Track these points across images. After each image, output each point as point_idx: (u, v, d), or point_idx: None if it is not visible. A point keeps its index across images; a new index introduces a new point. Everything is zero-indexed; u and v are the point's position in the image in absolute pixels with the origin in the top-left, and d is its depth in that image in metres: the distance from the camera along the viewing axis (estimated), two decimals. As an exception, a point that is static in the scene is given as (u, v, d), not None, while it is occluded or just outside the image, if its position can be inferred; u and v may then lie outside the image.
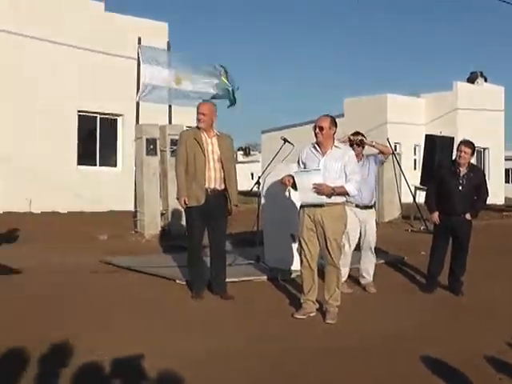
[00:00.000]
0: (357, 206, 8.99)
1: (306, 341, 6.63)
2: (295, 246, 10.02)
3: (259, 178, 10.92)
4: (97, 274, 9.65)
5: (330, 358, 6.03)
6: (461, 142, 8.97)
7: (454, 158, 9.25)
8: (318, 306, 7.59)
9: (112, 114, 20.53)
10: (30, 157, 17.41)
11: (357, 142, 8.95)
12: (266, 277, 9.64)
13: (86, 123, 20.22)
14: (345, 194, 7.33)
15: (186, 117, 15.06)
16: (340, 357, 6.04)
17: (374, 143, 9.11)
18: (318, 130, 7.32)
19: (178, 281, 9.14)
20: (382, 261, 11.08)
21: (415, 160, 34.54)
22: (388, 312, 8.01)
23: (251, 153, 75.38)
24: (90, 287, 8.74)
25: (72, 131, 19.32)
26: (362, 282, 9.35)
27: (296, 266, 9.96)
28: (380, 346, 6.49)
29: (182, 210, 8.72)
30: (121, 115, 20.38)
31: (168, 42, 16.82)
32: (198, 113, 8.24)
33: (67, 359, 5.67)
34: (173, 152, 13.57)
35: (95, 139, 20.48)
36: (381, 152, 9.22)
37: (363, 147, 9.04)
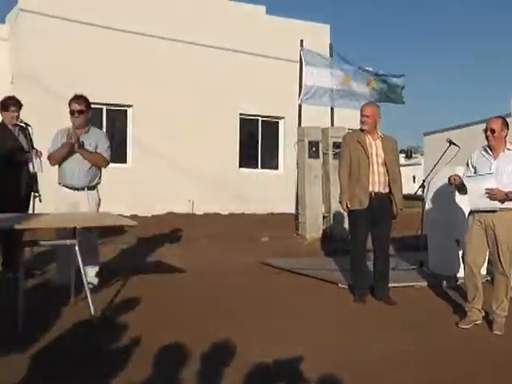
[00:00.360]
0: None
1: (471, 352, 6.40)
2: (460, 251, 9.78)
3: (423, 181, 10.72)
4: (257, 275, 9.76)
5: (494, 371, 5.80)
6: None
7: None
8: (483, 314, 7.25)
9: (273, 117, 20.74)
10: (193, 159, 17.90)
11: None
12: (428, 283, 9.43)
13: (248, 126, 20.56)
14: None
15: (348, 119, 15.02)
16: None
17: None
18: (489, 132, 7.02)
19: (340, 284, 9.09)
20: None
21: None
22: None
23: (413, 155, 74.33)
24: (248, 288, 8.83)
25: (234, 134, 19.69)
26: None
27: (461, 272, 9.72)
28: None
29: (345, 213, 8.67)
30: (282, 118, 20.56)
31: (330, 44, 16.79)
32: (361, 115, 8.15)
33: (227, 359, 5.76)
34: (335, 155, 13.53)
35: (257, 142, 20.77)
36: None
37: None
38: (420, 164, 50.48)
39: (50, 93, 16.11)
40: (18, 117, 8.73)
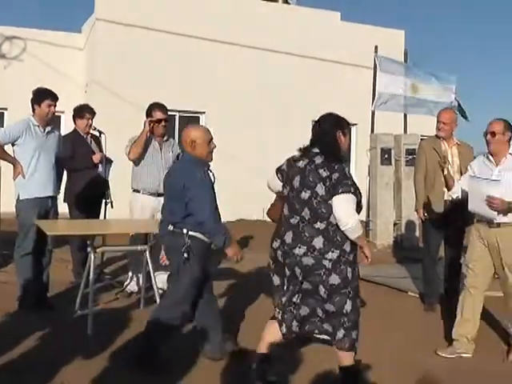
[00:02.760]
0: None
1: None
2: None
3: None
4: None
5: None
6: None
7: None
8: (473, 346, 6.39)
9: (347, 124, 20.63)
10: (266, 165, 17.83)
11: None
12: (500, 292, 9.23)
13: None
14: None
15: (421, 126, 14.83)
16: None
17: None
18: (489, 135, 6.24)
19: (410, 293, 9.01)
20: None
21: None
22: None
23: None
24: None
25: (306, 141, 19.54)
26: None
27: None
28: None
29: (416, 220, 8.58)
30: (355, 124, 20.44)
31: (405, 50, 16.64)
32: (438, 121, 8.03)
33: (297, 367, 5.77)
34: (408, 162, 13.41)
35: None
36: None
37: None
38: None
39: (124, 101, 16.39)
40: (91, 125, 8.89)
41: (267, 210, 5.61)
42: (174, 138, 9.08)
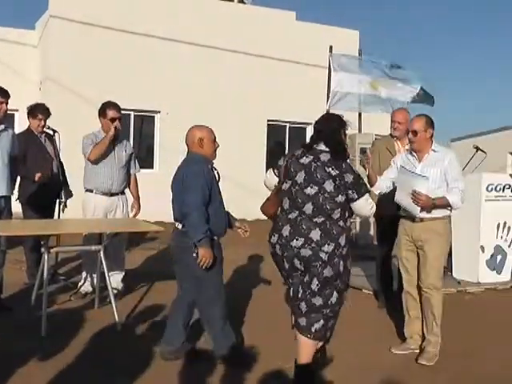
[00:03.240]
0: None
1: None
2: (485, 257, 9.78)
3: (449, 187, 10.70)
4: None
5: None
6: None
7: None
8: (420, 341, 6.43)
9: (301, 123, 20.74)
10: (220, 165, 17.81)
11: None
12: (453, 289, 9.43)
13: (275, 132, 20.56)
14: (447, 206, 6.15)
15: (375, 125, 14.97)
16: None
17: None
18: (410, 134, 6.23)
19: (364, 290, 9.12)
20: None
21: None
22: None
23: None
24: (278, 293, 8.84)
25: (261, 141, 19.68)
26: None
27: (485, 278, 9.72)
28: None
29: (371, 219, 8.64)
30: (310, 124, 20.55)
31: (359, 50, 16.75)
32: (392, 121, 7.91)
33: (251, 365, 5.86)
34: (361, 161, 13.52)
35: (284, 148, 20.77)
36: None
37: None
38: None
39: (78, 99, 16.27)
40: (44, 125, 8.77)
41: (261, 205, 5.66)
42: (128, 137, 9.05)
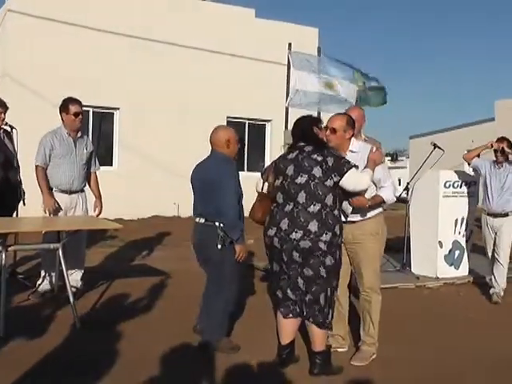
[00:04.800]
0: (488, 213, 8.88)
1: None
2: (443, 253, 9.90)
3: (408, 184, 10.80)
4: (243, 277, 9.78)
5: None
6: None
7: None
8: (348, 342, 6.39)
9: (260, 120, 20.78)
10: (180, 162, 17.85)
11: (498, 149, 8.70)
12: (412, 284, 9.53)
13: (235, 129, 20.46)
14: (381, 202, 6.03)
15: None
16: None
17: None
18: (329, 131, 5.93)
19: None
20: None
21: None
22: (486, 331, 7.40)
23: (399, 158, 74.45)
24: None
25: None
26: (490, 291, 9.00)
27: (443, 273, 9.85)
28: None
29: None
30: (269, 121, 20.60)
31: (319, 47, 16.81)
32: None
33: (212, 359, 5.86)
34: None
35: (243, 145, 20.79)
36: None
37: (507, 154, 8.72)
38: (405, 167, 50.72)
39: (37, 95, 16.12)
40: (3, 119, 8.62)
41: (249, 212, 5.79)
42: (87, 134, 8.97)
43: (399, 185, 37.85)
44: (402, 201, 11.23)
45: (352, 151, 6.03)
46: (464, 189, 9.99)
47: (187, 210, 17.04)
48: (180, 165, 17.49)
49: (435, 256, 9.89)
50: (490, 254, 9.02)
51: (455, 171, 10.10)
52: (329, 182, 5.42)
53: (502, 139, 8.82)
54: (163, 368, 5.63)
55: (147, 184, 17.74)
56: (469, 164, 9.19)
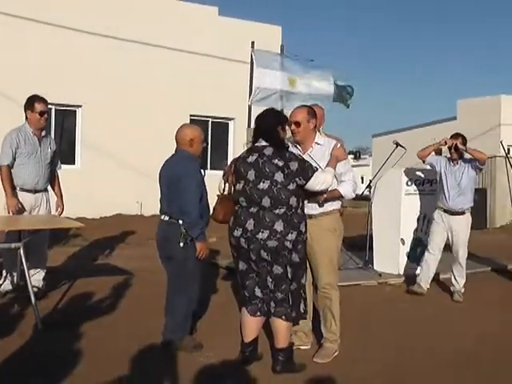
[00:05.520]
0: (444, 210, 8.84)
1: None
2: (405, 250, 10.00)
3: (370, 182, 10.89)
4: (205, 275, 9.77)
5: None
6: None
7: None
8: (311, 339, 6.39)
9: (224, 118, 20.77)
10: (143, 160, 17.79)
11: (454, 146, 8.68)
12: (374, 281, 9.61)
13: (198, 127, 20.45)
14: (339, 197, 6.06)
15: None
16: None
17: (467, 149, 8.63)
18: (293, 126, 5.98)
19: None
20: (486, 269, 11.05)
21: (530, 163, 33.00)
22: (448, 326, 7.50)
23: (361, 157, 74.88)
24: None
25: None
26: (451, 288, 9.04)
27: (405, 270, 9.93)
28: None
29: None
30: (232, 119, 20.60)
31: (282, 46, 16.85)
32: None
33: (174, 358, 5.85)
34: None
35: (207, 143, 20.70)
36: (475, 158, 8.68)
37: (460, 152, 8.74)
38: (368, 165, 51.07)
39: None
40: None
41: (211, 213, 5.86)
42: (49, 133, 8.88)
43: (362, 183, 38.10)
44: (364, 198, 11.32)
45: (318, 143, 6.11)
46: (426, 186, 10.07)
47: (150, 209, 17.15)
48: (143, 163, 17.45)
49: (397, 253, 9.97)
50: (432, 251, 8.95)
51: (417, 169, 10.18)
52: (291, 186, 5.46)
53: (456, 136, 8.82)
54: (126, 367, 5.61)
55: (110, 182, 17.63)
56: (424, 162, 9.13)
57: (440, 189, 8.99)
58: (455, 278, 8.96)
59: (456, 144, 8.66)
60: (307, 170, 5.51)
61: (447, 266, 9.11)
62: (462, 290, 8.95)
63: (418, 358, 6.24)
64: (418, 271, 9.25)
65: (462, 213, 8.82)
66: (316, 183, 5.56)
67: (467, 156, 8.82)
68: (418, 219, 10.12)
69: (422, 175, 10.06)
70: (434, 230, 8.98)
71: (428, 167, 9.31)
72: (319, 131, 7.54)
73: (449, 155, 8.90)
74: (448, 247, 9.07)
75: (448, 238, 8.92)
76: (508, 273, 10.74)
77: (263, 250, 5.45)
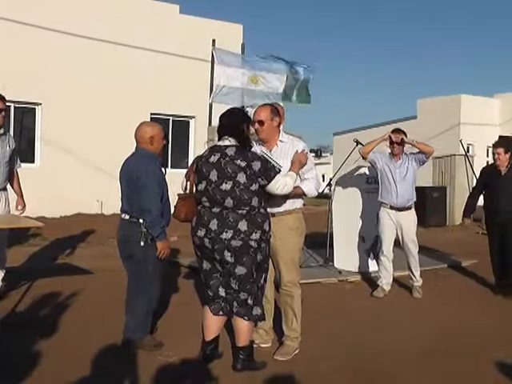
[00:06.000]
0: (391, 207, 8.77)
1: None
2: (365, 247, 10.08)
3: (330, 179, 10.96)
4: (166, 273, 9.77)
5: None
6: (493, 145, 9.07)
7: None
8: (272, 337, 6.45)
9: (184, 116, 20.72)
10: (103, 159, 17.70)
11: (397, 140, 8.61)
12: (334, 279, 9.67)
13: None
14: (301, 195, 6.10)
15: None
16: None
17: (414, 142, 8.57)
18: (257, 124, 6.04)
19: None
20: (443, 265, 11.19)
21: (488, 162, 33.46)
22: (398, 323, 7.50)
23: (323, 155, 75.14)
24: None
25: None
26: (411, 284, 9.06)
27: (366, 268, 10.02)
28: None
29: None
30: (193, 117, 20.57)
31: (242, 44, 16.87)
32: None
33: (134, 357, 5.85)
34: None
35: (167, 141, 20.63)
36: (422, 151, 8.60)
37: (403, 146, 8.69)
38: (329, 163, 51.29)
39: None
40: None
41: (173, 212, 5.82)
42: (8, 131, 8.78)
43: (323, 181, 38.25)
44: (325, 197, 11.38)
45: (282, 141, 6.16)
46: (385, 184, 10.13)
47: (111, 208, 17.07)
48: (103, 161, 17.36)
49: (357, 251, 10.05)
50: (386, 248, 8.88)
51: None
52: (254, 187, 5.46)
53: (398, 131, 8.75)
54: (87, 367, 5.59)
55: (70, 181, 17.51)
56: (365, 159, 8.96)
57: (384, 186, 8.84)
58: (413, 273, 8.98)
59: (402, 138, 8.61)
60: (270, 171, 5.52)
61: (401, 262, 9.17)
62: (421, 282, 8.96)
63: (379, 354, 6.28)
64: (378, 273, 9.15)
65: (409, 208, 8.80)
66: (277, 186, 5.56)
67: (407, 150, 8.79)
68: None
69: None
70: (384, 230, 8.86)
71: (369, 165, 9.28)
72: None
73: (389, 151, 8.83)
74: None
75: (397, 235, 8.87)
76: (463, 269, 10.90)
77: (227, 250, 5.45)
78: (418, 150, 8.69)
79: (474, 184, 10.12)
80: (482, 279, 9.83)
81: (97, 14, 18.59)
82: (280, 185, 5.58)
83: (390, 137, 8.67)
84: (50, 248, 12.20)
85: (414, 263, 8.98)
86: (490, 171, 9.21)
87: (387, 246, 8.88)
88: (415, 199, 8.93)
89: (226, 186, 5.43)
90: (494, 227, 9.01)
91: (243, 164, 5.42)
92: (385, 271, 8.97)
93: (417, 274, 8.99)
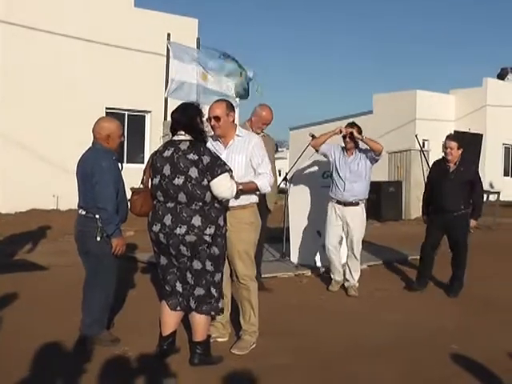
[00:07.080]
0: (338, 202, 8.64)
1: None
2: (321, 242, 10.12)
3: (286, 174, 10.99)
4: (122, 269, 9.72)
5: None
6: (446, 137, 8.86)
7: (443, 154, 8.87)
8: (229, 331, 6.48)
9: (140, 111, 20.62)
10: (59, 153, 17.53)
11: (345, 134, 8.44)
12: (291, 273, 9.71)
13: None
14: (255, 190, 6.05)
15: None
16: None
17: (364, 138, 8.34)
18: (213, 121, 5.98)
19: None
20: (397, 258, 11.32)
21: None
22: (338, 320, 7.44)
23: (279, 150, 75.33)
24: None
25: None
26: (345, 284, 8.86)
27: (322, 262, 10.07)
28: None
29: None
30: (149, 112, 20.47)
31: (198, 38, 16.80)
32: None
33: (91, 352, 5.83)
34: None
35: (124, 137, 20.45)
36: (371, 148, 8.40)
37: (356, 141, 8.51)
38: (286, 158, 51.43)
39: None
40: None
41: (129, 208, 5.85)
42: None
43: (279, 175, 38.36)
44: (281, 191, 11.42)
45: (238, 135, 6.13)
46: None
47: (67, 203, 16.92)
48: (58, 156, 17.21)
49: (314, 245, 10.09)
50: (330, 242, 8.73)
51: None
52: (205, 182, 5.42)
53: (351, 125, 8.55)
54: (42, 363, 5.57)
55: (25, 176, 17.29)
56: (317, 151, 8.84)
57: (333, 179, 8.73)
58: (350, 273, 8.80)
59: (352, 132, 8.40)
60: (216, 168, 5.42)
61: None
62: (357, 285, 8.81)
63: (337, 347, 6.33)
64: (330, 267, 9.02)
65: (356, 204, 8.62)
66: (218, 186, 5.43)
67: (362, 146, 8.58)
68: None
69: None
70: (329, 224, 8.73)
71: (322, 157, 9.17)
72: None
73: (343, 145, 8.67)
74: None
75: (343, 230, 8.73)
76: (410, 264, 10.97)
77: (182, 245, 5.45)
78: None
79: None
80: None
81: (49, 7, 18.33)
82: (222, 186, 5.44)
83: (340, 130, 8.49)
84: (4, 244, 12.05)
85: (355, 263, 8.80)
86: (439, 167, 8.98)
87: (332, 240, 8.72)
88: (366, 197, 8.81)
89: (179, 181, 5.42)
90: (437, 226, 8.84)
91: (195, 157, 5.40)
92: (333, 267, 8.85)
93: (354, 274, 8.81)
